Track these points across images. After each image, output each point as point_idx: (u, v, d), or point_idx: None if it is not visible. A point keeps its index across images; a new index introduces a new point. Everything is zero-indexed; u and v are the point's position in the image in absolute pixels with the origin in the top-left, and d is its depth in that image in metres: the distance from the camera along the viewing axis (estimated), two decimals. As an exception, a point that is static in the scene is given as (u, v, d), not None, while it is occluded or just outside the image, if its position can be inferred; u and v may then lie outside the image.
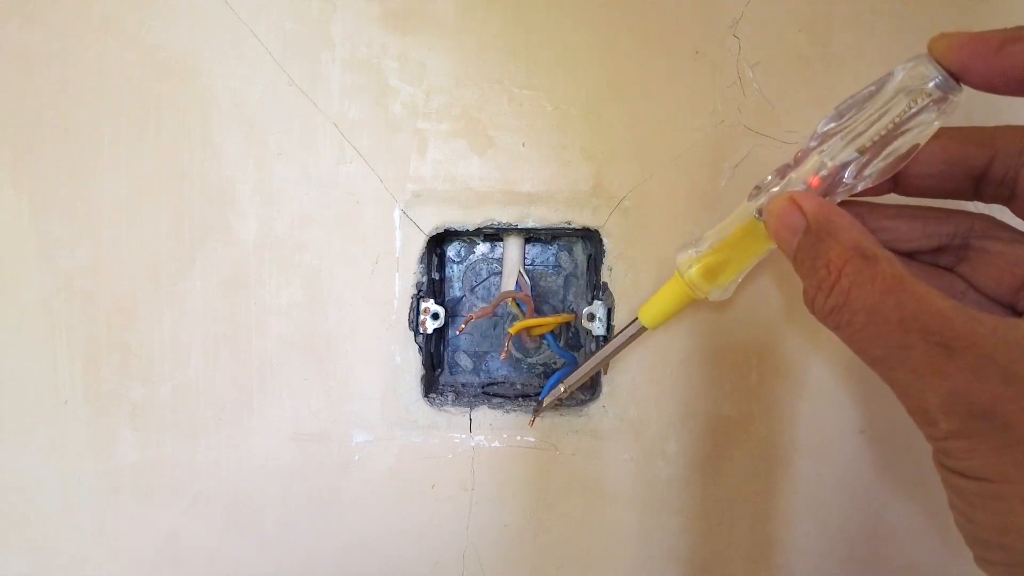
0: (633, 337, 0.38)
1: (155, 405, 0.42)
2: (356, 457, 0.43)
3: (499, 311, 0.49)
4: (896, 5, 0.41)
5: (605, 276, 0.43)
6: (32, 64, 0.41)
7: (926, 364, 0.23)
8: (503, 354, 0.45)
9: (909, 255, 0.31)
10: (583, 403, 0.44)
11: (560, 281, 0.49)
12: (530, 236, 0.47)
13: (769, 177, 0.30)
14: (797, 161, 0.29)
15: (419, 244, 0.42)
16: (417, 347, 0.43)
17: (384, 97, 0.41)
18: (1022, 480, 0.22)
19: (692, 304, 0.35)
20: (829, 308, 0.25)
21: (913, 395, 0.24)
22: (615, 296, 0.42)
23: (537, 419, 0.43)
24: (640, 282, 0.42)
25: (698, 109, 0.41)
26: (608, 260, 0.42)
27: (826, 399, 0.43)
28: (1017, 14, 0.41)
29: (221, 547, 0.43)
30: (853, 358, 0.42)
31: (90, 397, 0.42)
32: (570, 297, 0.49)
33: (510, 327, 0.45)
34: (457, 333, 0.48)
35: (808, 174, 0.28)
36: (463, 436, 0.43)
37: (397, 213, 0.42)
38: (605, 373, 0.43)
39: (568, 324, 0.49)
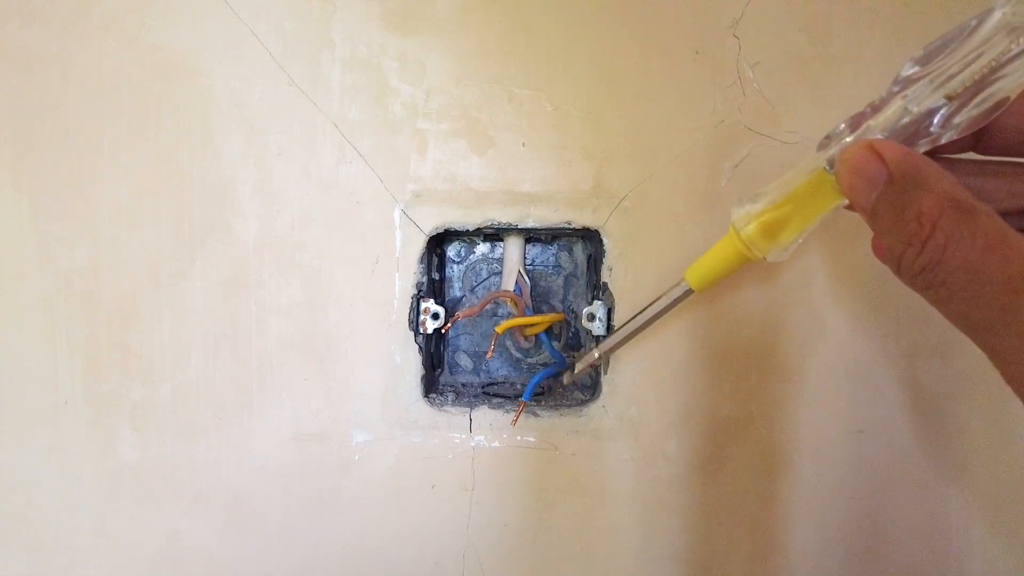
0: (679, 300, 0.34)
1: (155, 405, 0.42)
2: (356, 457, 0.43)
3: (501, 311, 0.49)
4: (896, 5, 0.41)
5: (605, 276, 0.43)
6: (32, 64, 0.41)
7: None
8: (489, 353, 0.45)
9: None
10: (583, 403, 0.44)
11: (560, 281, 0.49)
12: (530, 236, 0.47)
13: (842, 125, 0.27)
14: (875, 108, 0.26)
15: (419, 244, 0.42)
16: (417, 347, 0.43)
17: (384, 97, 0.41)
18: None
19: (746, 266, 0.31)
20: (921, 265, 0.22)
21: (1018, 359, 0.21)
22: (615, 296, 0.42)
23: (536, 419, 0.43)
24: (640, 282, 0.42)
25: (698, 109, 0.41)
26: (608, 260, 0.42)
27: (826, 399, 0.43)
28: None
29: (221, 547, 0.43)
30: (853, 359, 0.43)
31: (90, 397, 0.42)
32: (570, 297, 0.49)
33: (497, 327, 0.45)
34: (443, 332, 0.47)
35: (889, 121, 0.25)
36: (463, 436, 0.43)
37: (397, 213, 0.42)
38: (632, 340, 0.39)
39: (567, 324, 0.49)
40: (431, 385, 0.46)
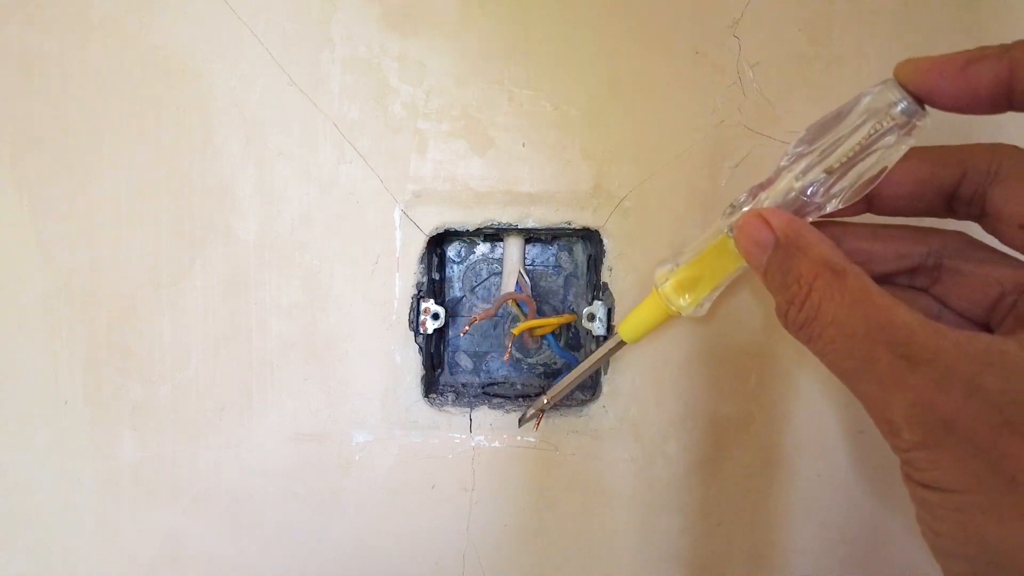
0: (613, 351, 0.38)
1: (155, 405, 0.42)
2: (356, 457, 0.43)
3: (501, 312, 0.49)
4: (896, 5, 0.41)
5: (605, 276, 0.43)
6: (32, 64, 0.41)
7: (890, 376, 0.23)
8: (506, 355, 0.45)
9: (885, 277, 0.31)
10: (583, 403, 0.44)
11: (560, 281, 0.49)
12: (530, 236, 0.47)
13: (743, 196, 0.30)
14: (769, 181, 0.29)
15: (419, 244, 0.42)
16: (417, 347, 0.43)
17: (384, 97, 0.41)
18: (981, 490, 0.22)
19: (669, 320, 0.35)
20: (800, 322, 0.26)
21: (879, 406, 0.24)
22: (615, 296, 0.42)
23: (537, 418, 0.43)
24: (640, 282, 0.42)
25: (698, 109, 0.41)
26: (608, 260, 0.42)
27: (826, 400, 0.43)
28: (1016, 13, 0.41)
29: (221, 547, 0.43)
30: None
31: (90, 397, 0.42)
32: (570, 297, 0.49)
33: (513, 328, 0.45)
34: (460, 335, 0.48)
35: (779, 193, 0.29)
36: (463, 436, 0.43)
37: (397, 213, 0.42)
38: (600, 376, 0.43)
39: (569, 324, 0.49)
40: (431, 385, 0.46)
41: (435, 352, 0.48)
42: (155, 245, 0.42)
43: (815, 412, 0.43)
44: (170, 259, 0.42)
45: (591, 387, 0.46)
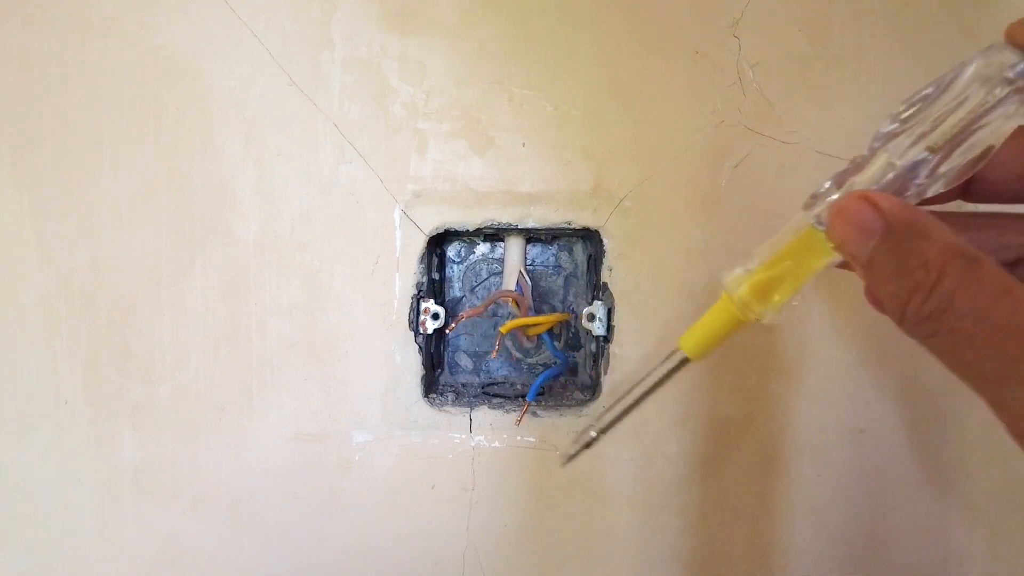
0: (675, 371, 0.32)
1: (155, 405, 0.42)
2: (356, 457, 0.43)
3: (501, 311, 0.49)
4: (896, 5, 0.41)
5: (605, 276, 0.43)
6: (32, 64, 0.41)
7: None
8: (493, 353, 0.45)
9: None
10: (583, 403, 0.44)
11: (560, 281, 0.49)
12: (530, 236, 0.47)
13: (827, 184, 0.27)
14: (857, 166, 0.26)
15: (419, 244, 0.42)
16: (417, 347, 0.43)
17: (384, 97, 0.41)
18: None
19: (740, 330, 0.30)
20: (928, 311, 0.22)
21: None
22: (615, 296, 0.42)
23: (536, 419, 0.43)
24: (640, 282, 0.42)
25: (698, 109, 0.41)
26: (608, 260, 0.42)
27: (826, 399, 0.43)
28: (1016, 13, 0.41)
29: (221, 547, 0.43)
30: (853, 359, 0.43)
31: (90, 397, 0.42)
32: (570, 297, 0.49)
33: (501, 327, 0.45)
34: (447, 332, 0.47)
35: (874, 177, 0.25)
36: (463, 436, 0.43)
37: (397, 213, 0.42)
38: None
39: (568, 324, 0.49)
40: (431, 385, 0.46)
41: (435, 352, 0.48)
42: (155, 245, 0.42)
43: (815, 412, 0.43)
44: (170, 259, 0.42)
45: (591, 387, 0.46)
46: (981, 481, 0.44)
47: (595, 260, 0.45)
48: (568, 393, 0.47)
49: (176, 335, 0.42)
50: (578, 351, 0.49)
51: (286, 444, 0.43)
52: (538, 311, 0.48)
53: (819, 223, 0.27)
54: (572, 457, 0.36)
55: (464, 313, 0.45)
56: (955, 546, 0.44)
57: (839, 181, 0.27)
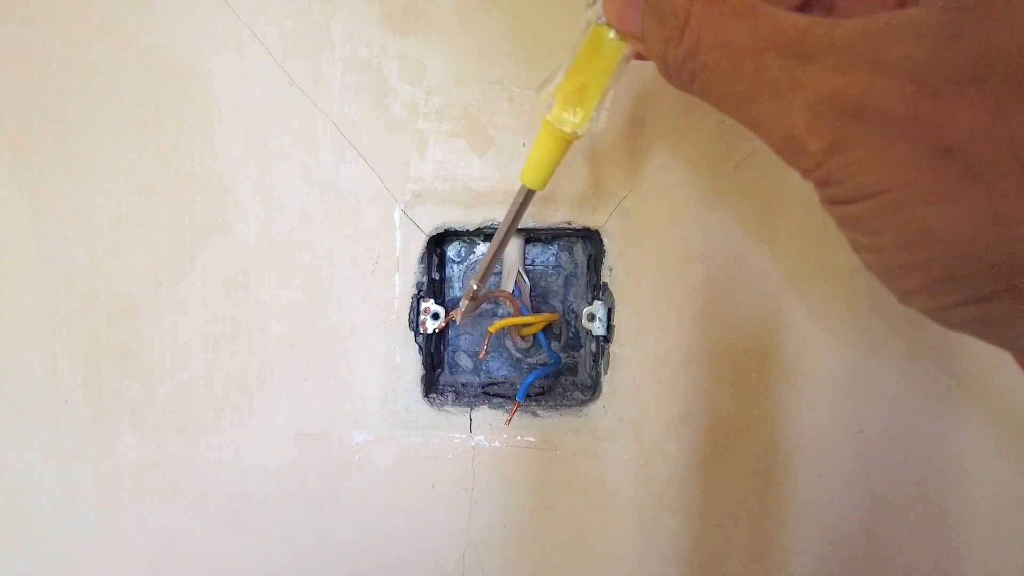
0: (525, 203, 0.34)
1: (155, 405, 0.42)
2: (356, 457, 0.43)
3: (500, 311, 0.49)
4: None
5: (605, 276, 0.43)
6: (32, 64, 0.41)
7: (784, 80, 0.20)
8: (482, 353, 0.44)
9: None
10: (583, 403, 0.44)
11: (560, 281, 0.49)
12: (530, 236, 0.47)
13: None
14: None
15: (419, 244, 0.42)
16: (417, 347, 0.43)
17: (384, 97, 0.41)
18: (916, 175, 0.18)
19: (571, 149, 0.32)
20: (682, 56, 0.22)
21: (776, 124, 0.21)
22: (615, 296, 0.42)
23: (536, 419, 0.43)
24: (640, 282, 0.42)
25: (698, 109, 0.41)
26: (608, 260, 0.42)
27: (826, 399, 0.43)
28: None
29: (221, 547, 0.43)
30: (853, 359, 0.43)
31: (90, 397, 0.42)
32: (570, 297, 0.49)
33: (490, 326, 0.44)
34: (435, 332, 0.46)
35: None
36: (463, 436, 0.43)
37: (397, 213, 0.42)
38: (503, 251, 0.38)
39: (568, 324, 0.49)
40: (431, 385, 0.46)
41: (435, 352, 0.48)
42: (155, 245, 0.42)
43: (815, 412, 0.43)
44: (170, 259, 0.42)
45: (591, 387, 0.46)
46: (981, 481, 0.44)
47: (595, 260, 0.45)
48: (568, 393, 0.47)
49: (176, 335, 0.42)
50: (578, 351, 0.49)
51: (286, 444, 0.43)
52: (537, 311, 0.48)
53: (600, 18, 0.27)
54: (463, 314, 0.39)
55: (453, 312, 0.45)
56: (955, 546, 0.44)
57: None
